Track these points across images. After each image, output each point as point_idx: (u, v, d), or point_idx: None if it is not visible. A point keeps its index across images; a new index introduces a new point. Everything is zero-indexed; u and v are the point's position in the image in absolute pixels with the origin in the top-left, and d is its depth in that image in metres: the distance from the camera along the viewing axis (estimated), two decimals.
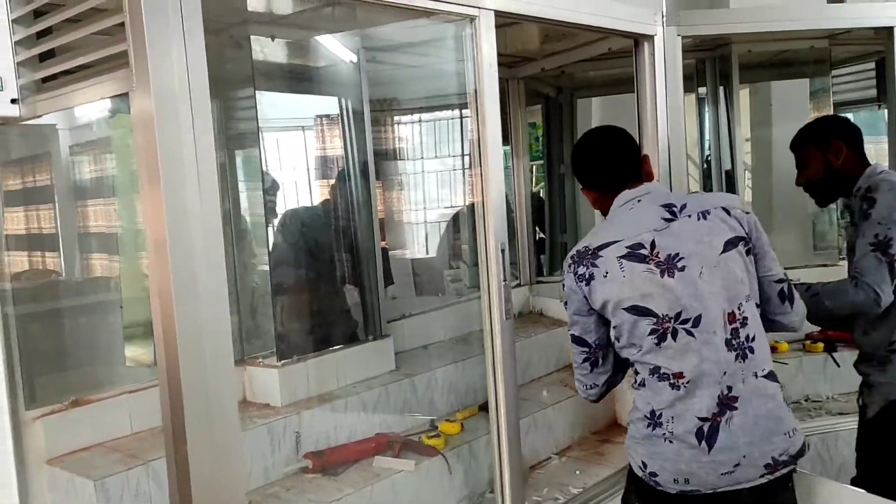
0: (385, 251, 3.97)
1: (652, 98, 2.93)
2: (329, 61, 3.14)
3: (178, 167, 1.43)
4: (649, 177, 2.02)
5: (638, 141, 2.96)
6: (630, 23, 2.84)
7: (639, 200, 1.94)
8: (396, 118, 3.85)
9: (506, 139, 4.35)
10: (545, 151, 4.81)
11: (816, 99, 4.10)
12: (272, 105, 2.73)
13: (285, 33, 2.77)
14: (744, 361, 1.83)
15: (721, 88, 4.13)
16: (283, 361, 2.71)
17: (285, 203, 3.01)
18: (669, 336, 1.83)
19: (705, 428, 1.82)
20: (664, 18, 2.91)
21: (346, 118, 3.05)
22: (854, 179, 2.38)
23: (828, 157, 2.41)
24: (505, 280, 2.32)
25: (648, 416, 1.90)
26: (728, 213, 1.87)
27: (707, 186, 4.23)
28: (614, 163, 2.01)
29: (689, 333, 1.82)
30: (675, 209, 1.89)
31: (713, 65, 4.12)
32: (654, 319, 1.84)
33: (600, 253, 1.90)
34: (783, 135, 4.32)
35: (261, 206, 2.71)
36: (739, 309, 1.84)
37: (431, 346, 3.43)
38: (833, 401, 3.61)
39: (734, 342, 1.83)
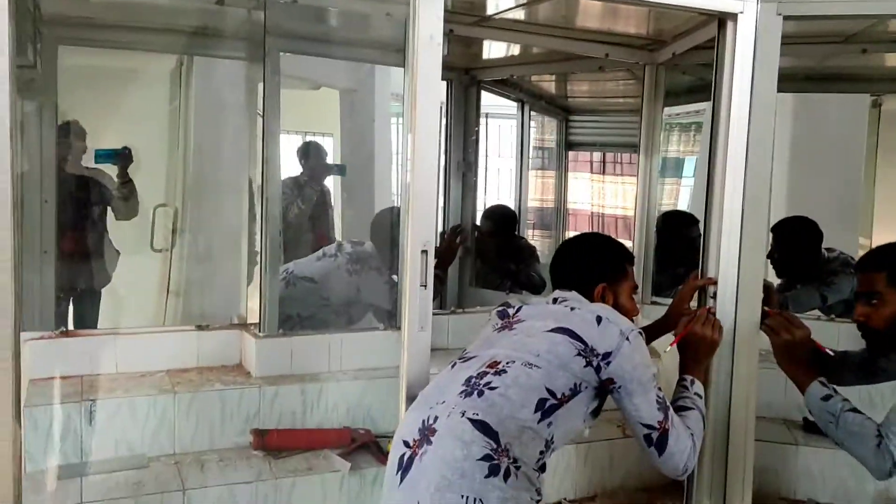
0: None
1: (727, 101, 2.32)
2: None
3: None
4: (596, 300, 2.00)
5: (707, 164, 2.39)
6: None
7: (552, 300, 1.98)
8: None
9: None
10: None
11: None
12: None
13: None
14: (464, 398, 1.70)
15: None
16: (265, 333, 2.72)
17: None
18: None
19: (406, 457, 1.68)
20: None
21: None
22: None
23: None
24: (423, 285, 2.04)
25: None
26: (598, 321, 1.82)
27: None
28: (563, 265, 2.10)
29: (453, 365, 1.85)
30: (557, 299, 1.97)
31: None
32: None
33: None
34: None
35: None
36: (507, 364, 1.76)
37: None
38: None
39: (473, 380, 1.74)
